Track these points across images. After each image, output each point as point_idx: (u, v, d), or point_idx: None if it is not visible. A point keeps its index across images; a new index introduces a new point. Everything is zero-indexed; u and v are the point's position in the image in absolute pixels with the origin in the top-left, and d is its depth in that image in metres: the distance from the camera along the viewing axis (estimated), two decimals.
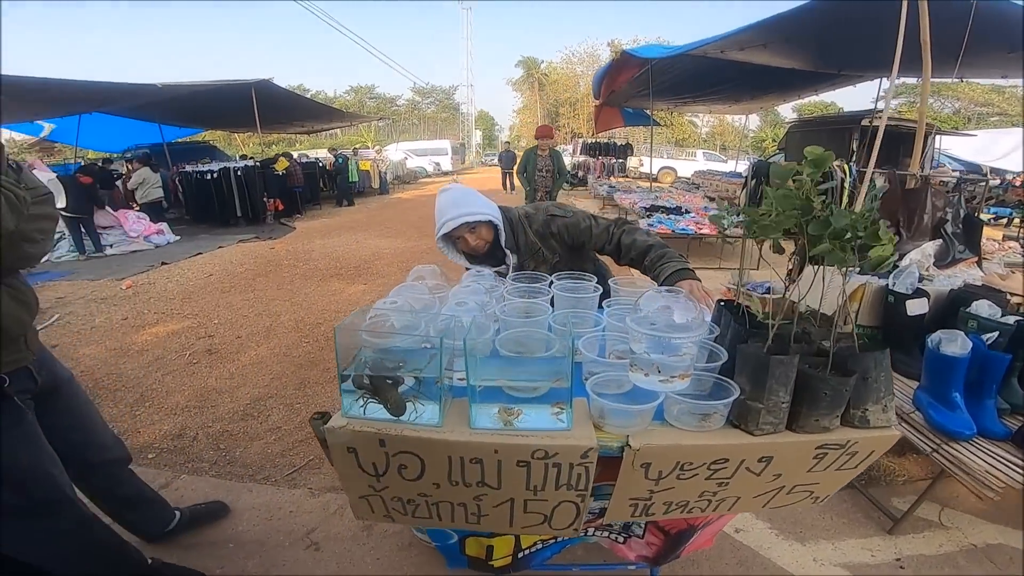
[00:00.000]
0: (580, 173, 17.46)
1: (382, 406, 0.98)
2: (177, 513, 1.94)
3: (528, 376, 1.02)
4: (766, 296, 3.45)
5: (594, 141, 18.81)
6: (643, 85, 9.54)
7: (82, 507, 1.45)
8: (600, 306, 1.35)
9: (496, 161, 22.16)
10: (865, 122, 8.51)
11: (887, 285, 2.37)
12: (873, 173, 4.07)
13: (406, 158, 21.65)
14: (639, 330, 0.94)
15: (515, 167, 7.85)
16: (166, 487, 2.26)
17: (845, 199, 4.64)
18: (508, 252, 1.80)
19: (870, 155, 3.98)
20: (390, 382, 0.99)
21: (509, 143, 17.54)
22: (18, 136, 16.84)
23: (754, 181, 6.38)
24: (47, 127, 12.36)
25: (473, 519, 1.13)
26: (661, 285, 1.51)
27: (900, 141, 7.15)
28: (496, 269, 1.79)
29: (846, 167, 4.82)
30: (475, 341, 1.03)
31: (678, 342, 0.93)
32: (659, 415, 1.03)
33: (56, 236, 7.71)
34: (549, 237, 1.82)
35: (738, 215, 1.14)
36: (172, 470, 2.40)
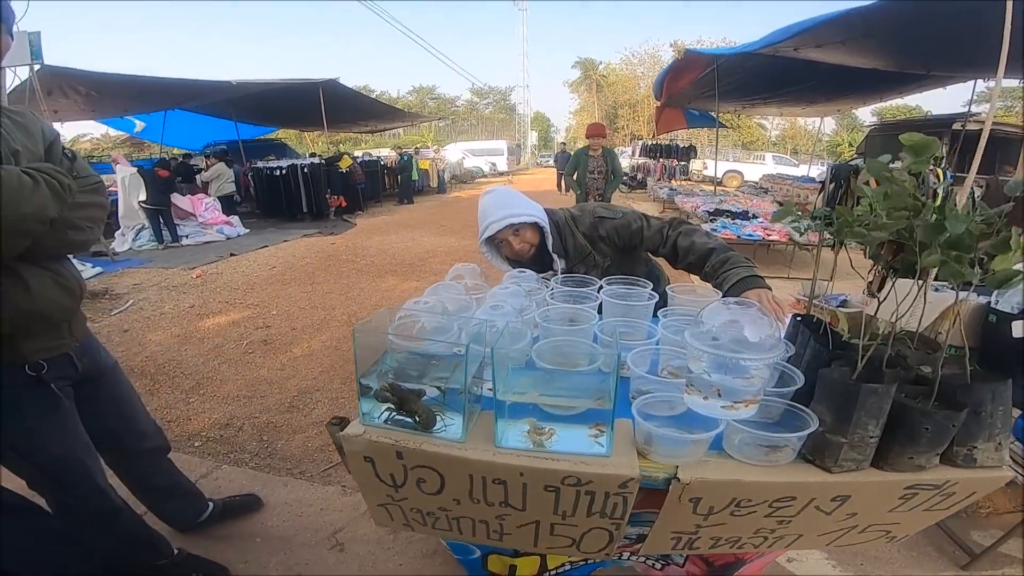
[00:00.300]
0: (639, 176, 17.04)
1: (410, 419, 0.89)
2: (210, 504, 1.94)
3: (566, 392, 0.90)
4: (841, 310, 3.15)
5: (654, 143, 18.29)
6: (708, 86, 9.12)
7: (112, 497, 1.45)
8: (654, 315, 1.21)
9: (551, 162, 22.00)
10: (957, 126, 7.79)
11: (989, 303, 2.08)
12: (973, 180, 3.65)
13: (464, 158, 21.89)
14: (701, 347, 0.80)
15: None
16: (206, 476, 2.29)
17: (930, 216, 4.19)
18: (555, 257, 1.68)
19: (962, 161, 3.57)
20: (416, 393, 0.90)
21: (565, 144, 17.32)
22: (113, 131, 18.33)
23: (832, 185, 5.92)
24: (139, 125, 13.38)
25: (495, 536, 1.02)
26: (726, 294, 1.34)
27: (997, 147, 6.45)
28: (543, 275, 1.68)
29: (940, 172, 4.37)
30: (507, 350, 0.92)
31: (748, 363, 0.78)
32: (716, 443, 0.89)
33: (137, 226, 8.27)
34: (598, 240, 1.68)
35: (815, 218, 0.97)
36: (215, 459, 2.43)
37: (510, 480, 0.86)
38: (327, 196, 10.90)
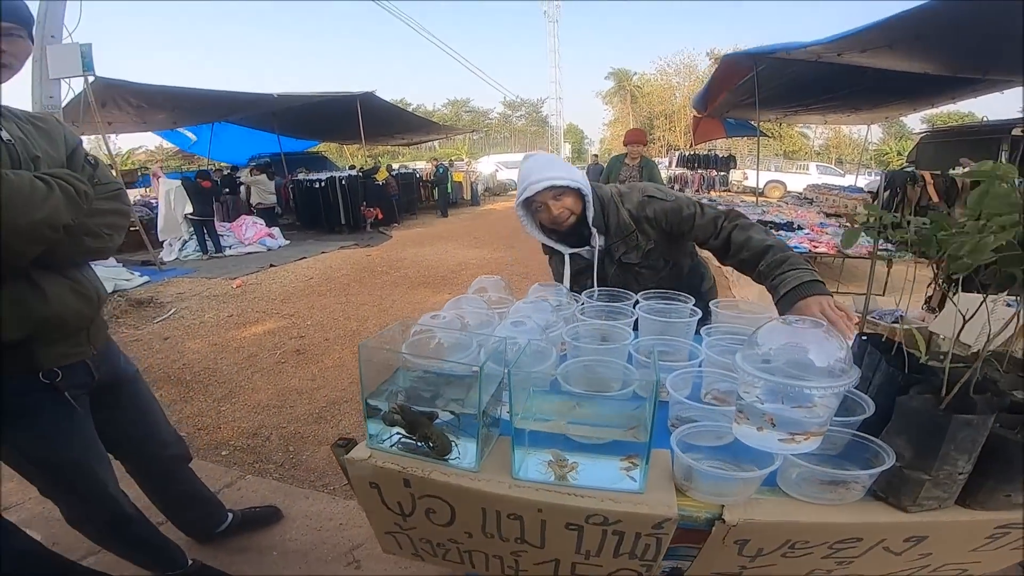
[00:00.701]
0: (677, 187, 16.72)
1: (422, 444, 0.81)
2: (230, 515, 1.90)
3: (596, 419, 0.80)
4: (897, 326, 2.92)
5: (692, 153, 17.92)
6: (747, 93, 8.81)
7: (123, 505, 1.43)
8: (696, 333, 1.09)
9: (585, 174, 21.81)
10: (1017, 131, 7.28)
11: None
12: None
13: (497, 170, 21.97)
14: (756, 373, 0.68)
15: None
16: (230, 486, 2.27)
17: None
18: (594, 231, 1.56)
19: None
20: (428, 416, 0.82)
21: (597, 156, 17.12)
22: (167, 144, 19.21)
23: (887, 192, 5.58)
24: (192, 138, 13.97)
25: (511, 573, 0.93)
26: (782, 298, 1.21)
27: None
28: (577, 250, 1.58)
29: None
30: (529, 371, 0.83)
31: (813, 392, 0.66)
32: (769, 478, 0.77)
33: (181, 238, 8.56)
34: (643, 220, 1.56)
35: (890, 225, 0.85)
36: (240, 469, 2.41)
37: (527, 516, 0.77)
38: (363, 208, 11.07)
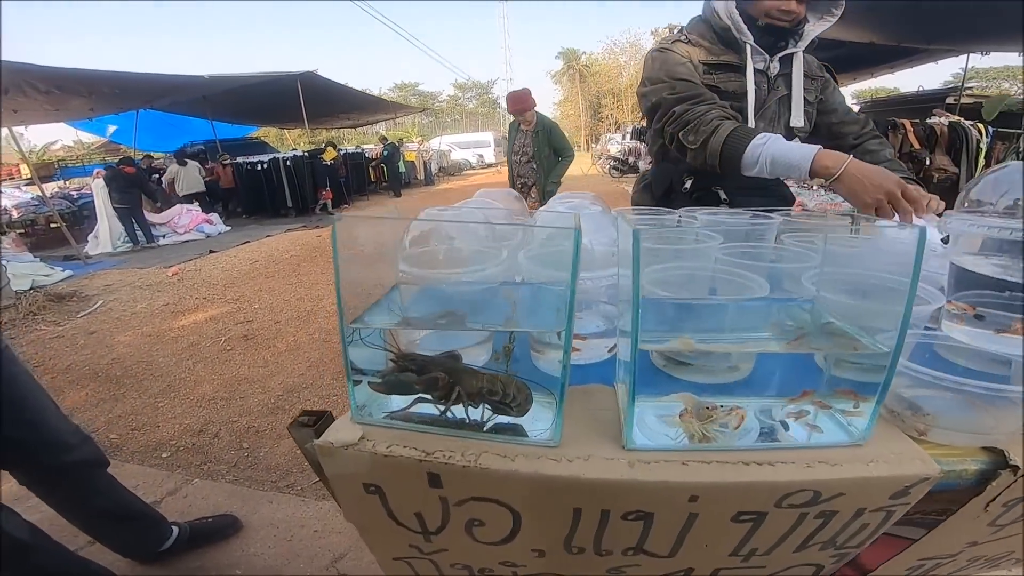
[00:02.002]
0: (631, 159, 16.62)
1: (472, 409, 0.49)
2: (175, 530, 1.54)
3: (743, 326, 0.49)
4: None
5: (643, 127, 17.86)
6: None
7: (12, 528, 1.08)
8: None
9: None
10: (951, 100, 7.44)
11: None
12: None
13: (450, 150, 21.38)
14: None
15: None
16: (174, 493, 1.87)
17: (982, 161, 3.86)
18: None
19: None
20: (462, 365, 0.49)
21: None
22: (86, 137, 17.65)
23: None
24: (111, 128, 12.79)
25: None
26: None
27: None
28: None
29: (982, 127, 4.02)
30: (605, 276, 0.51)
31: None
32: None
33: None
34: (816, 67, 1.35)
35: None
36: (185, 472, 2.01)
37: (663, 512, 0.46)
38: (320, 191, 10.38)
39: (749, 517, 0.45)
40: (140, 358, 3.29)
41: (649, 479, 0.43)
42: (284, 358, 3.12)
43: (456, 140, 24.78)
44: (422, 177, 15.94)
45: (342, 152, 12.41)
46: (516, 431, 0.48)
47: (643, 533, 0.47)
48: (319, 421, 0.52)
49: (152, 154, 12.37)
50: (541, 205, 1.39)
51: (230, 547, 1.61)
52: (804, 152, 1.01)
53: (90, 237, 7.77)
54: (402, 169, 14.13)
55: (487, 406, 0.48)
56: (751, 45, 1.21)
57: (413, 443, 0.47)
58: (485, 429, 0.49)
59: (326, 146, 11.86)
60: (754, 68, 1.23)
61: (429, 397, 0.48)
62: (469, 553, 0.54)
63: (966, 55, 6.64)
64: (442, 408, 0.48)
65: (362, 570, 1.48)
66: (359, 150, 14.37)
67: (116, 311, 4.40)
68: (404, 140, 18.92)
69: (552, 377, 0.50)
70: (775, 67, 1.25)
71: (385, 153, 13.75)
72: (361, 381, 0.51)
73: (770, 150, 1.04)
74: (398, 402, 0.51)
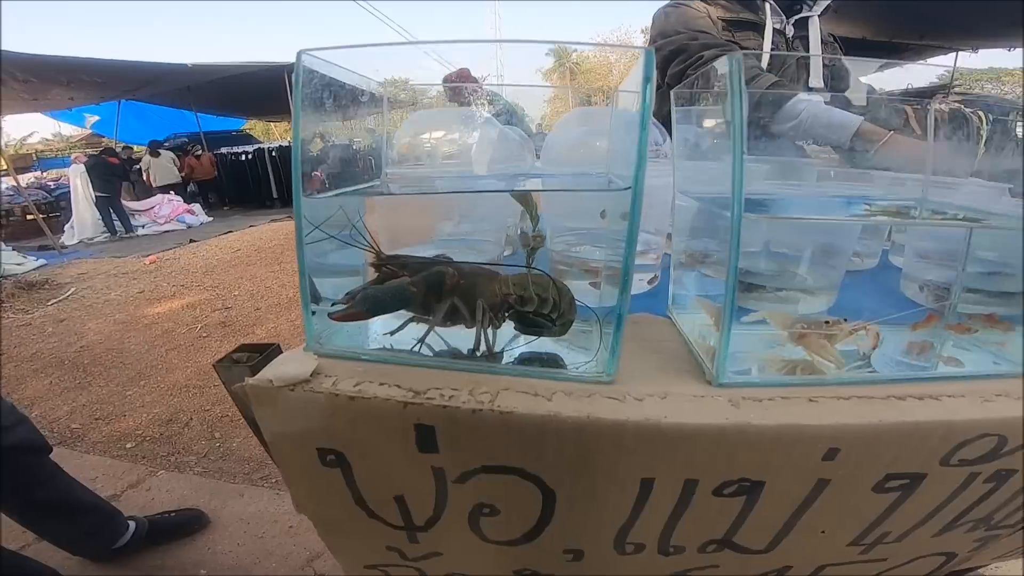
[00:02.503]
0: None
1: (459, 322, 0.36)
2: (132, 525, 1.38)
3: None
4: None
5: None
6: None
7: None
8: None
9: None
10: (939, 104, 7.42)
11: None
12: None
13: None
14: None
15: None
16: (136, 486, 1.70)
17: (983, 147, 3.75)
18: None
19: None
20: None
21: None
22: (67, 129, 17.16)
23: None
24: (90, 118, 12.40)
25: None
26: None
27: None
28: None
29: (982, 114, 3.90)
30: None
31: None
32: None
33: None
34: None
35: None
36: (149, 464, 1.84)
37: (781, 476, 0.30)
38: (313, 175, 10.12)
39: (899, 482, 0.31)
40: (110, 346, 3.10)
41: (767, 423, 0.28)
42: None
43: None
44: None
45: (330, 142, 12.15)
46: (552, 361, 0.34)
47: (740, 516, 0.32)
48: (262, 356, 0.36)
49: (132, 146, 12.03)
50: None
51: (195, 544, 1.45)
52: (849, 115, 0.96)
53: (67, 227, 7.50)
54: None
55: (514, 321, 0.32)
56: (770, 3, 1.18)
57: (393, 378, 0.31)
58: (509, 360, 0.34)
59: (313, 137, 11.59)
60: (772, 27, 1.19)
61: (426, 318, 0.32)
62: (472, 557, 0.38)
63: (955, 54, 6.60)
64: (447, 325, 0.32)
65: (341, 570, 1.33)
66: (348, 142, 14.11)
67: (89, 299, 4.19)
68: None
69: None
70: (791, 30, 1.21)
71: (374, 146, 13.50)
72: (318, 312, 0.36)
73: (814, 107, 0.99)
74: (376, 332, 0.36)
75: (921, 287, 0.48)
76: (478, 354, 0.34)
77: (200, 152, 10.17)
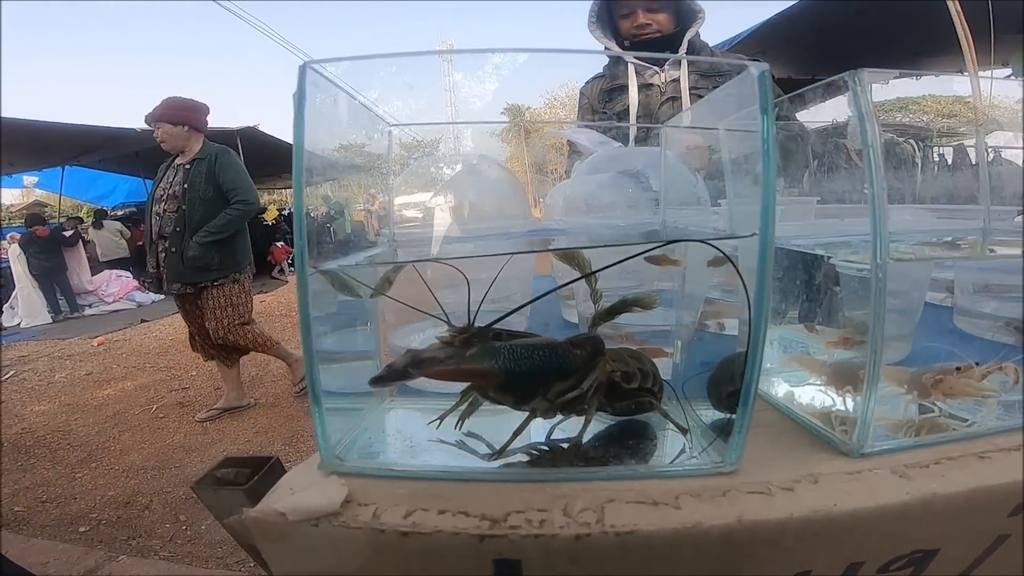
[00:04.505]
0: None
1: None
2: None
3: None
4: None
5: None
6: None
7: None
8: None
9: None
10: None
11: None
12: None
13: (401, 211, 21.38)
14: None
15: None
16: (93, 572, 1.68)
17: (919, 176, 4.20)
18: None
19: None
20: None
21: None
22: (6, 199, 16.12)
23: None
24: (29, 179, 11.67)
25: None
26: None
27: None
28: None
29: (914, 143, 4.39)
30: None
31: None
32: None
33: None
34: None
35: None
36: (108, 548, 1.81)
37: (958, 541, 0.31)
38: (273, 247, 9.81)
39: None
40: (55, 427, 3.02)
41: (954, 490, 0.27)
42: (227, 424, 2.93)
43: (405, 201, 24.91)
44: (373, 239, 15.79)
45: (285, 211, 12.15)
46: (639, 452, 0.31)
47: None
48: (256, 475, 0.32)
49: (83, 203, 11.35)
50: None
51: None
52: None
53: (6, 307, 7.10)
54: (348, 230, 13.95)
55: (606, 402, 0.29)
56: (631, 63, 1.38)
57: (454, 502, 0.27)
58: (596, 456, 0.29)
59: (266, 206, 11.58)
60: (644, 82, 1.39)
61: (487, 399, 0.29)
62: None
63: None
64: (552, 417, 0.28)
65: None
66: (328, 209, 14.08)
67: (31, 381, 4.04)
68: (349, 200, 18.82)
69: None
70: (672, 75, 1.39)
71: (331, 212, 13.58)
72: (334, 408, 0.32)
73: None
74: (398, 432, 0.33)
75: (988, 321, 0.49)
76: (546, 451, 0.28)
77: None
